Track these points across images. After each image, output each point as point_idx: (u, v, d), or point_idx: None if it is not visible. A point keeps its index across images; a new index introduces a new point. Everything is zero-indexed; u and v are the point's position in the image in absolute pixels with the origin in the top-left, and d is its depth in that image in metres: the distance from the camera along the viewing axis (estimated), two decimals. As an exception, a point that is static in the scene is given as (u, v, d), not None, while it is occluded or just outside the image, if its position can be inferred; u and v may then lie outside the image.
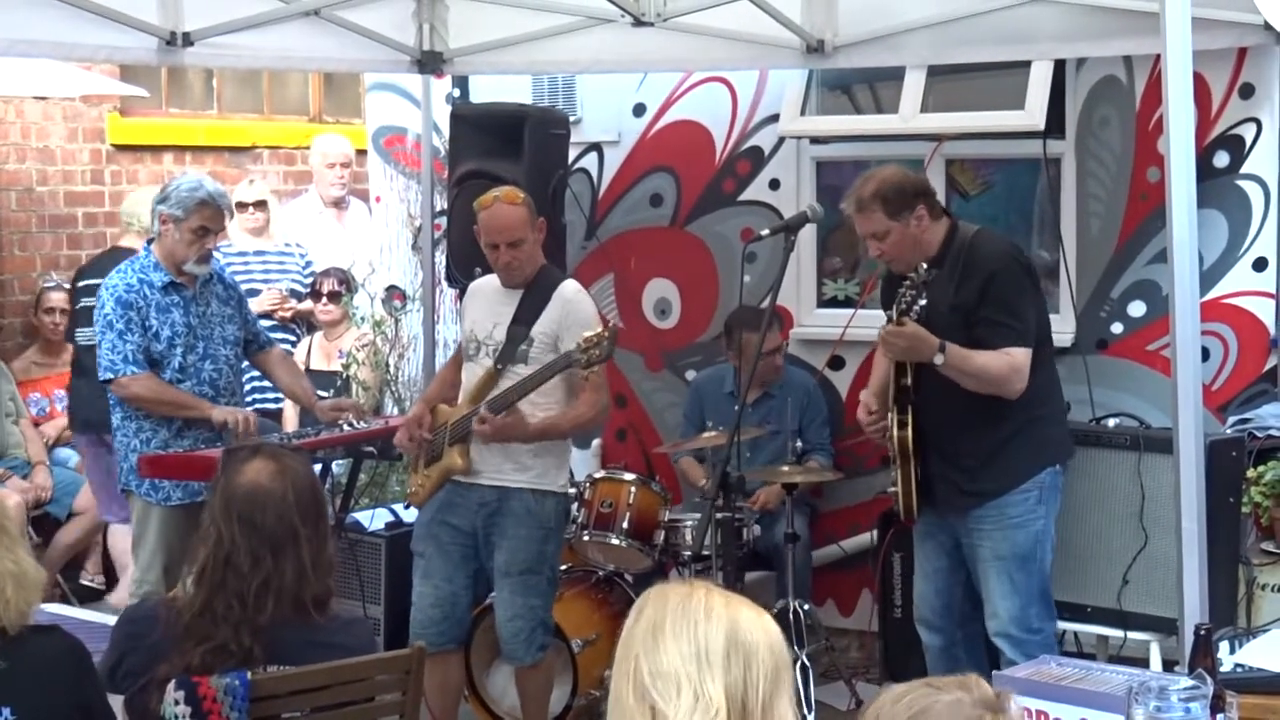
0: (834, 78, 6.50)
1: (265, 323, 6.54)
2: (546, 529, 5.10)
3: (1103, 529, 5.19)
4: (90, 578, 7.58)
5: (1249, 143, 5.70)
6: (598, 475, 5.98)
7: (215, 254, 5.65)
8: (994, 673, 3.75)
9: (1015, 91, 5.95)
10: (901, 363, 4.66)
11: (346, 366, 7.39)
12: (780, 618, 5.52)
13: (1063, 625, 5.03)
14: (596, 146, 7.03)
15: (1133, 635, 5.18)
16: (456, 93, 7.24)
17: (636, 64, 6.43)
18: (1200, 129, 5.39)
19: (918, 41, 5.74)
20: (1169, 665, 4.78)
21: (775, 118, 6.59)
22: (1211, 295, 5.67)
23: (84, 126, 8.54)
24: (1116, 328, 6.02)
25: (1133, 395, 5.89)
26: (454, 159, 6.47)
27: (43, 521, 7.19)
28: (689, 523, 5.82)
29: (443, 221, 6.73)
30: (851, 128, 6.56)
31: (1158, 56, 4.14)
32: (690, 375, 6.83)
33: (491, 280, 5.20)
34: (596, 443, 7.08)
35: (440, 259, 6.79)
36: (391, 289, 7.64)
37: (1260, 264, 5.74)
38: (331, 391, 6.94)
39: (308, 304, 7.72)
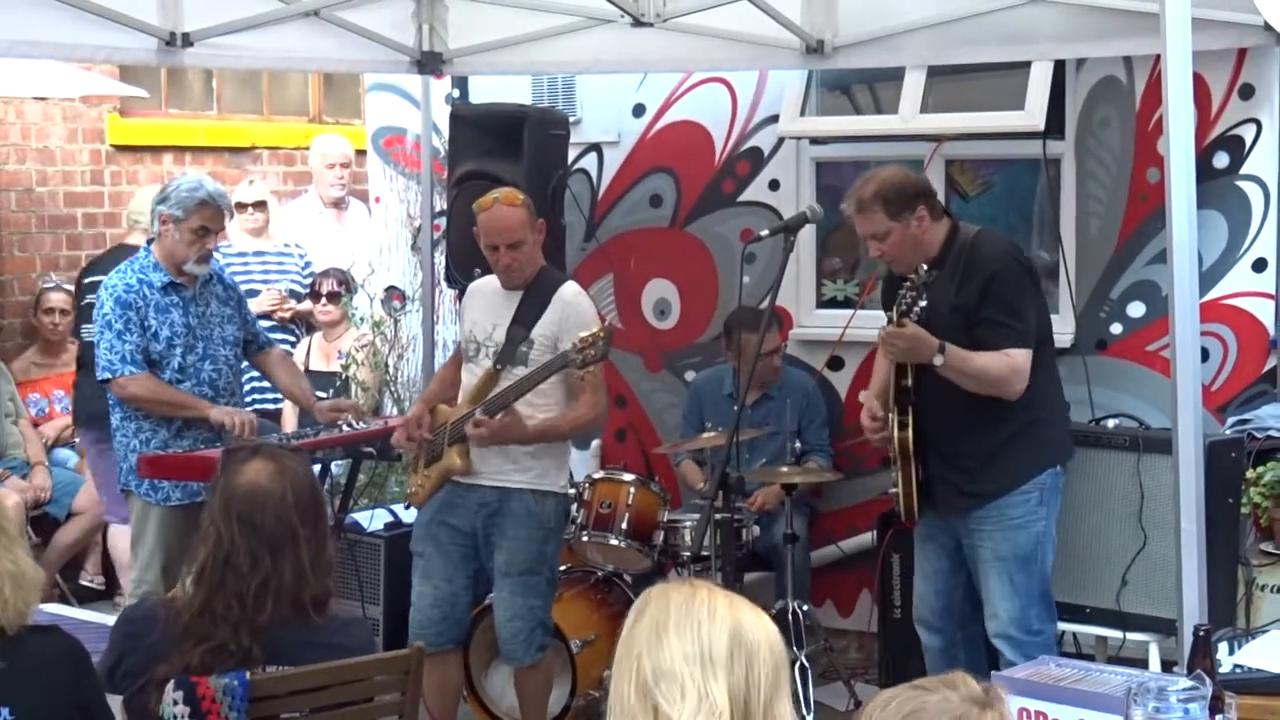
0: (834, 78, 6.50)
1: (264, 323, 6.53)
2: (546, 529, 5.10)
3: (1102, 530, 5.19)
4: (90, 578, 7.58)
5: (1249, 143, 5.70)
6: (597, 476, 5.98)
7: (215, 254, 5.65)
8: (993, 673, 3.75)
9: (1015, 92, 5.95)
10: (902, 364, 4.66)
11: (346, 367, 7.39)
12: (779, 618, 5.52)
13: (1061, 626, 5.02)
14: (596, 147, 7.03)
15: (1132, 636, 5.18)
16: (456, 93, 7.24)
17: (636, 64, 6.43)
18: (1200, 130, 5.39)
19: (917, 42, 5.74)
20: (1168, 666, 4.77)
21: (775, 118, 6.59)
22: (1211, 296, 5.67)
23: (84, 127, 8.54)
24: (1116, 328, 6.02)
25: (1132, 396, 5.89)
26: (453, 159, 6.47)
27: (41, 522, 7.19)
28: (688, 523, 5.82)
29: (442, 222, 6.73)
30: (851, 128, 6.56)
31: (1158, 57, 4.15)
32: (690, 376, 6.83)
33: (491, 281, 5.20)
34: (596, 443, 7.08)
35: (440, 260, 6.79)
36: (391, 289, 7.64)
37: (1260, 265, 5.74)
38: (331, 392, 6.95)
39: (307, 304, 7.73)
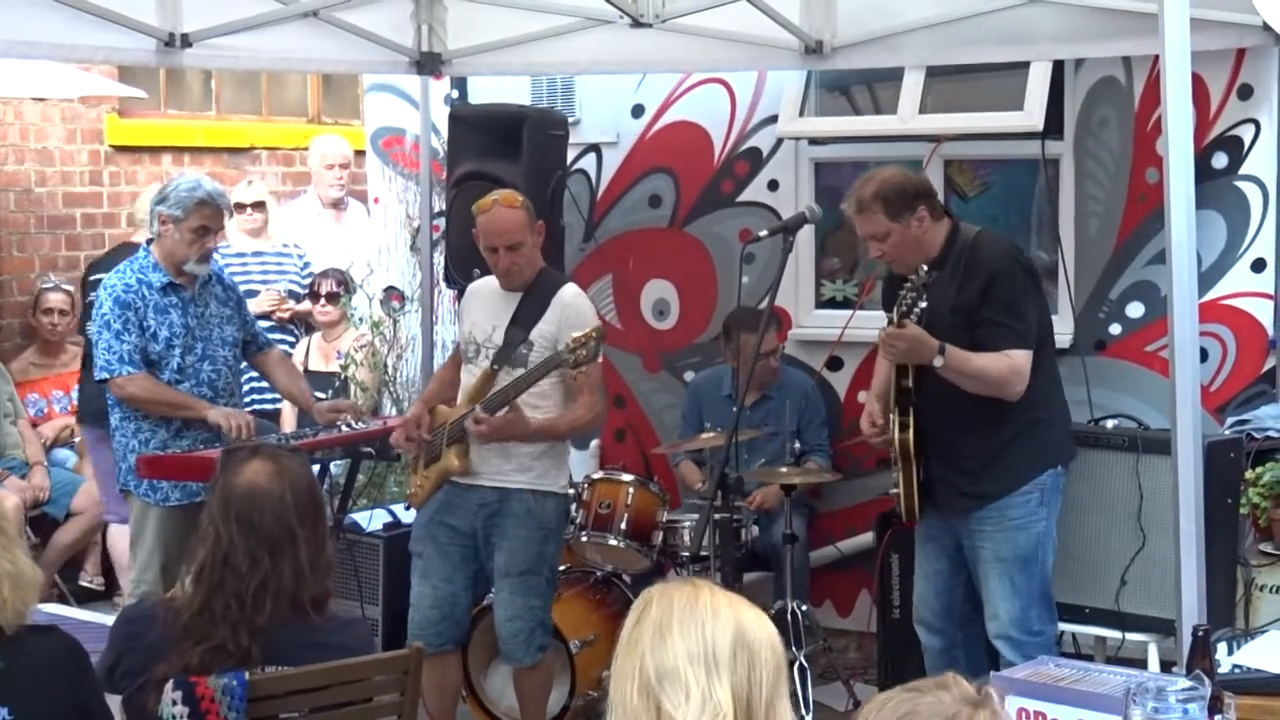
0: (832, 79, 6.50)
1: (263, 324, 6.53)
2: (547, 530, 5.10)
3: (1101, 530, 5.19)
4: (89, 579, 7.58)
5: (1247, 144, 5.70)
6: (596, 476, 5.98)
7: (214, 255, 5.65)
8: (992, 673, 3.74)
9: (1014, 92, 5.95)
10: (903, 365, 4.66)
11: (345, 367, 7.39)
12: (778, 618, 5.52)
13: (1061, 626, 5.02)
14: (595, 147, 7.03)
15: (1131, 636, 5.18)
16: (455, 94, 7.24)
17: (635, 65, 6.43)
18: (1199, 130, 5.39)
19: (916, 42, 5.74)
20: (1167, 666, 4.78)
21: (774, 119, 6.59)
22: (1210, 296, 5.67)
23: (82, 127, 8.54)
24: (1115, 329, 6.02)
25: (1131, 396, 5.89)
26: (452, 160, 6.47)
27: (40, 522, 7.19)
28: (687, 523, 5.82)
29: (441, 222, 6.73)
30: (850, 129, 6.56)
31: (1156, 57, 4.15)
32: (689, 376, 6.83)
33: (490, 282, 5.20)
34: (595, 443, 7.08)
35: (439, 260, 6.79)
36: (390, 290, 7.64)
37: (1259, 265, 5.74)
38: (330, 392, 6.95)
39: (306, 305, 7.73)
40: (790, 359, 6.57)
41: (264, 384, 6.53)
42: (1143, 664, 5.04)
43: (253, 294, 7.22)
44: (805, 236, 6.35)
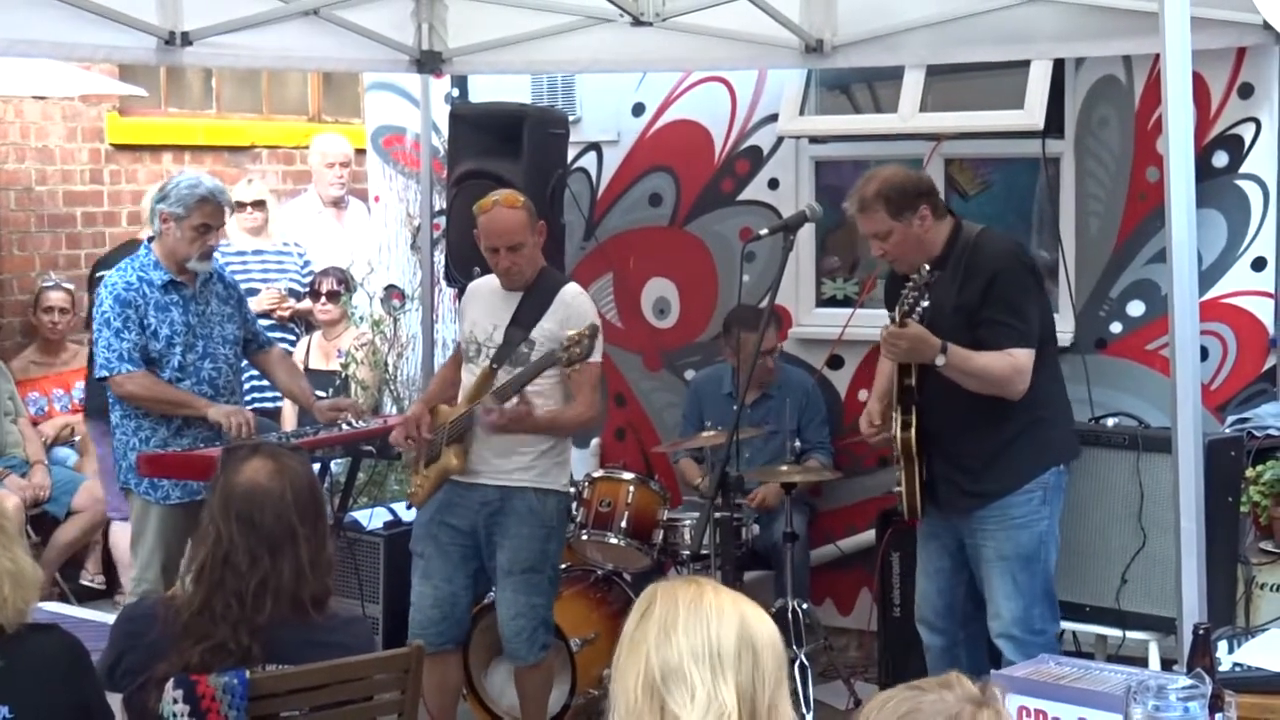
0: (833, 77, 6.50)
1: (263, 322, 6.53)
2: (549, 528, 5.10)
3: (1101, 528, 5.19)
4: (90, 578, 7.58)
5: (1248, 142, 5.70)
6: (596, 474, 5.98)
7: (215, 253, 5.65)
8: (992, 672, 3.74)
9: (1014, 91, 5.95)
10: (905, 364, 4.65)
11: (345, 366, 7.39)
12: (779, 617, 5.53)
13: (1061, 624, 5.02)
14: (595, 146, 7.03)
15: (1131, 634, 5.18)
16: (455, 92, 7.24)
17: (635, 64, 6.43)
18: (1199, 129, 5.39)
19: (916, 41, 5.74)
20: (1167, 664, 4.78)
21: (774, 117, 6.59)
22: (1210, 295, 5.67)
23: (83, 126, 8.54)
24: (1115, 327, 6.02)
25: (1132, 395, 5.89)
26: (453, 158, 6.47)
27: (41, 520, 7.18)
28: (687, 522, 5.82)
29: (441, 221, 6.73)
30: (850, 127, 6.56)
31: (1157, 56, 4.15)
32: (689, 375, 6.83)
33: (491, 281, 5.20)
34: (595, 442, 7.09)
35: (439, 258, 6.79)
36: (390, 288, 7.64)
37: (1259, 264, 5.74)
38: (330, 391, 6.95)
39: (306, 303, 7.73)
40: (791, 357, 6.57)
41: (264, 382, 6.54)
42: (1143, 662, 5.04)
43: (253, 292, 7.22)
44: (806, 235, 6.36)
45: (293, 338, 7.70)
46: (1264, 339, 5.75)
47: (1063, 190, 6.09)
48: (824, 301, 6.71)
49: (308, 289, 7.74)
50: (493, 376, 5.01)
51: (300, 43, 5.97)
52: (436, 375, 5.67)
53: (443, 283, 6.78)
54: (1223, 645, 3.83)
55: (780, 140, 6.63)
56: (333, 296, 7.62)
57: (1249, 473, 5.12)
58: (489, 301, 5.17)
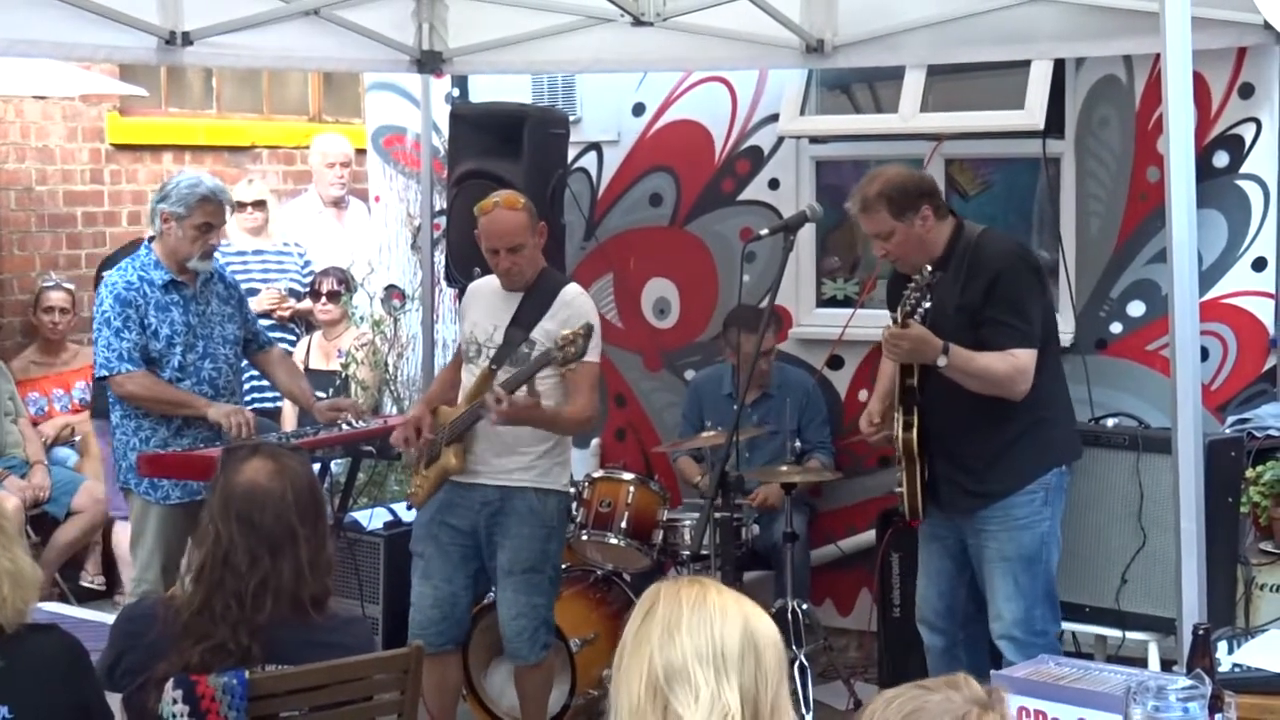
0: (833, 77, 6.50)
1: (264, 322, 6.53)
2: (549, 528, 5.10)
3: (1101, 529, 5.19)
4: (90, 579, 7.57)
5: (1248, 142, 5.70)
6: (596, 475, 5.98)
7: (215, 252, 5.65)
8: (992, 672, 3.74)
9: (1015, 91, 5.94)
10: (907, 364, 4.65)
11: (345, 366, 7.39)
12: (779, 617, 5.52)
13: (1061, 624, 5.02)
14: (596, 146, 7.03)
15: (1131, 635, 5.18)
16: (456, 92, 7.24)
17: (636, 63, 6.43)
18: (1200, 129, 5.39)
19: (917, 41, 5.74)
20: (1167, 665, 4.78)
21: (775, 117, 6.59)
22: (1211, 295, 5.67)
23: (83, 126, 8.54)
24: (1116, 327, 6.02)
25: (1132, 395, 5.89)
26: (453, 158, 6.47)
27: (41, 521, 7.18)
28: (687, 522, 5.82)
29: (442, 221, 6.73)
30: (851, 127, 6.56)
31: (1157, 56, 4.14)
32: (689, 375, 6.83)
33: (491, 281, 5.20)
34: (595, 442, 7.09)
35: (439, 259, 6.79)
36: (390, 288, 7.64)
37: (1259, 264, 5.74)
38: (330, 391, 6.95)
39: (306, 303, 7.73)
40: (791, 358, 6.57)
41: (264, 382, 6.54)
42: (1143, 663, 5.04)
43: (253, 292, 7.22)
44: (806, 235, 6.36)
45: (293, 338, 7.70)
46: (1264, 339, 5.75)
47: (1063, 190, 6.09)
48: (824, 302, 6.71)
49: (308, 289, 7.74)
50: (492, 377, 5.01)
51: (300, 43, 5.97)
52: (438, 376, 5.67)
53: (443, 283, 6.78)
54: (1222, 646, 3.83)
55: (781, 140, 6.63)
56: (333, 296, 7.62)
57: (1249, 473, 5.13)
58: (489, 302, 5.17)
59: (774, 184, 6.69)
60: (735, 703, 2.28)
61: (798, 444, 6.00)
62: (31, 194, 8.30)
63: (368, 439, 5.67)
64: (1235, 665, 3.74)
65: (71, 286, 7.85)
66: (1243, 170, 5.72)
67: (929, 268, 4.47)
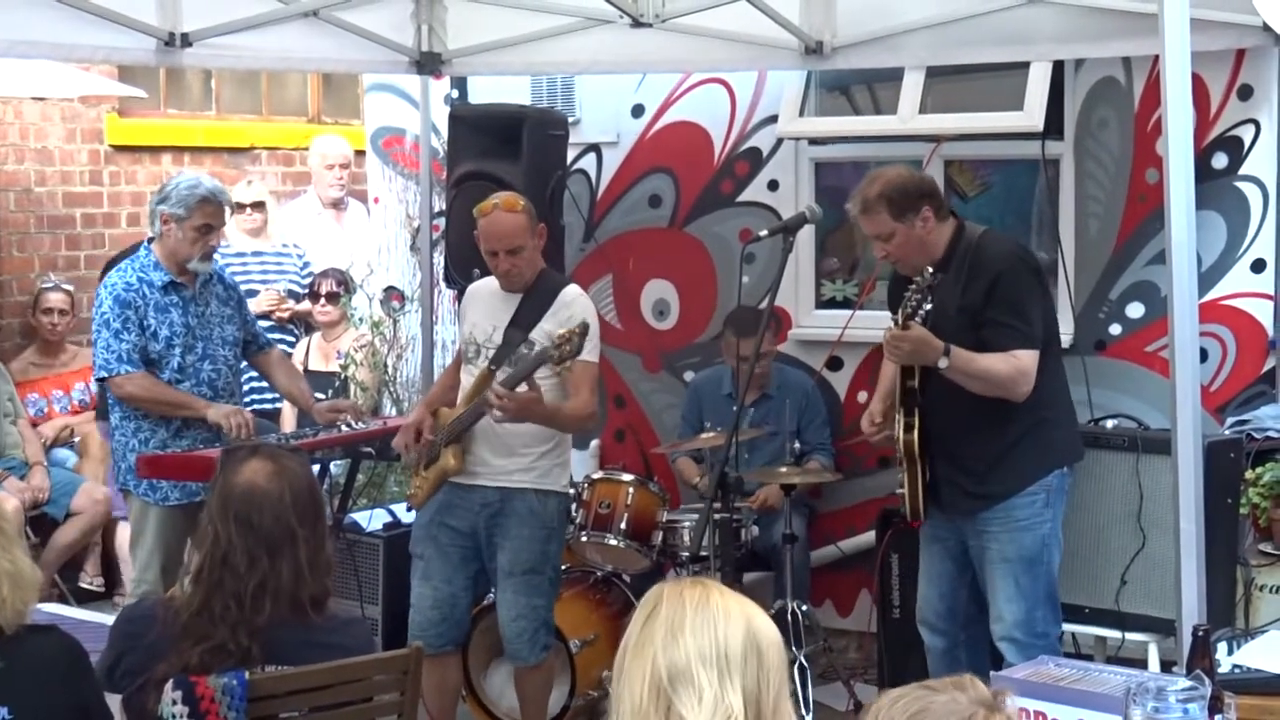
0: (832, 79, 6.50)
1: (263, 323, 6.53)
2: (549, 529, 5.10)
3: (1101, 530, 5.19)
4: (89, 580, 7.57)
5: (1247, 144, 5.70)
6: (596, 476, 5.98)
7: (215, 254, 5.65)
8: (992, 673, 3.74)
9: (1014, 92, 5.95)
10: (908, 365, 4.65)
11: (345, 367, 7.39)
12: (778, 618, 5.52)
13: (1062, 626, 5.02)
14: (595, 147, 7.03)
15: (1131, 636, 5.18)
16: (455, 94, 7.24)
17: (635, 65, 6.43)
18: (1199, 130, 5.39)
19: (916, 42, 5.74)
20: (1167, 666, 4.77)
21: (774, 119, 6.59)
22: (1210, 297, 5.67)
23: (82, 127, 8.54)
24: (1115, 329, 6.02)
25: (1131, 396, 5.89)
26: (452, 160, 6.47)
27: (40, 522, 7.18)
28: (687, 523, 5.82)
29: (441, 222, 6.73)
30: (850, 129, 6.56)
31: (1156, 58, 4.15)
32: (689, 376, 6.83)
33: (490, 283, 5.20)
34: (595, 443, 7.09)
35: (439, 260, 6.79)
36: (390, 290, 7.64)
37: (1259, 265, 5.74)
38: (330, 392, 6.95)
39: (306, 305, 7.73)
40: (790, 359, 6.57)
41: (264, 384, 6.53)
42: (1143, 664, 5.04)
43: (252, 294, 7.22)
44: (805, 236, 6.35)
45: (292, 339, 7.70)
46: (1263, 341, 5.75)
47: (1062, 192, 6.09)
48: (823, 303, 6.71)
49: (307, 290, 7.74)
50: (491, 378, 5.01)
51: (300, 44, 5.97)
52: (439, 379, 5.67)
53: (442, 284, 6.78)
54: (1222, 647, 3.83)
55: (780, 142, 6.63)
56: (332, 298, 7.62)
57: (1248, 474, 5.13)
58: (489, 303, 5.17)
59: (773, 185, 6.69)
60: (738, 704, 2.28)
61: (797, 445, 5.99)
62: (30, 195, 8.30)
63: (367, 440, 5.67)
64: (1235, 666, 3.74)
65: (70, 288, 7.85)
66: (1242, 172, 5.72)
67: (930, 269, 4.46)
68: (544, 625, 5.14)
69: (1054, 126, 5.95)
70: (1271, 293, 5.74)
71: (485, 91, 7.08)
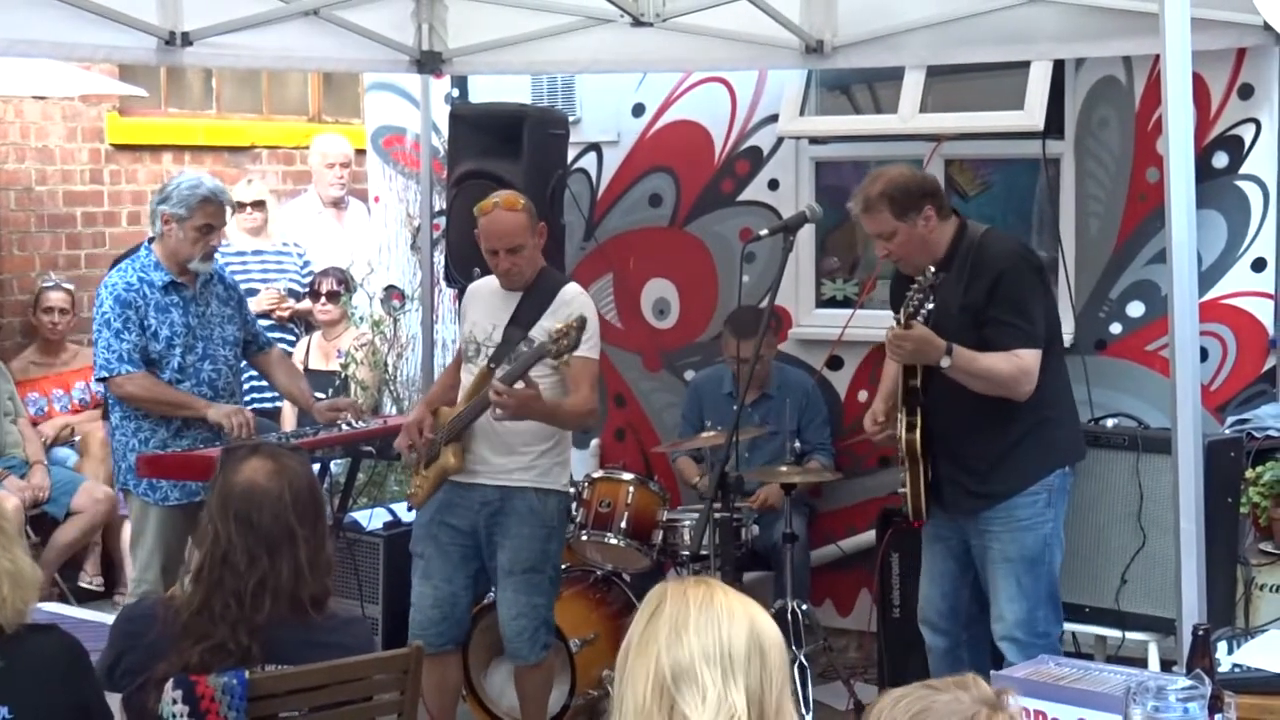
0: (833, 78, 6.50)
1: (263, 322, 6.53)
2: (549, 528, 5.10)
3: (1101, 529, 5.19)
4: (89, 580, 7.57)
5: (1248, 143, 5.70)
6: (596, 475, 5.98)
7: (216, 253, 5.65)
8: (992, 672, 3.74)
9: (1014, 92, 5.95)
10: (910, 365, 4.64)
11: (345, 366, 7.39)
12: (779, 618, 5.51)
13: (1063, 626, 5.02)
14: (595, 146, 7.03)
15: (1131, 635, 5.18)
16: (455, 93, 7.24)
17: (635, 64, 6.43)
18: (1199, 129, 5.39)
19: (917, 42, 5.74)
20: (1167, 665, 4.78)
21: (774, 118, 6.59)
22: (1210, 296, 5.67)
23: (83, 126, 8.54)
24: (1115, 328, 6.02)
25: (1131, 395, 5.89)
26: (453, 159, 6.47)
27: (40, 521, 7.18)
28: (687, 522, 5.82)
29: (441, 221, 6.73)
30: (850, 128, 6.56)
31: (1157, 57, 4.15)
32: (689, 375, 6.83)
33: (490, 282, 5.20)
34: (595, 442, 7.09)
35: (439, 259, 6.79)
36: (390, 289, 7.64)
37: (1259, 264, 5.74)
38: (330, 391, 6.95)
39: (306, 304, 7.73)
40: (791, 358, 6.57)
41: (264, 383, 6.54)
42: (1143, 663, 5.04)
43: (252, 293, 7.23)
44: (805, 236, 6.35)
45: (292, 338, 7.70)
46: (1264, 340, 5.75)
47: (1063, 191, 6.09)
48: (824, 302, 6.71)
49: (307, 289, 7.74)
50: (491, 376, 5.01)
51: (300, 43, 5.97)
52: (439, 378, 5.67)
53: (442, 283, 6.78)
54: (1222, 646, 3.83)
55: (780, 141, 6.62)
56: (332, 297, 7.62)
57: (1249, 474, 5.13)
58: (489, 302, 5.17)
59: (773, 184, 6.69)
60: (741, 704, 2.28)
61: (797, 444, 5.99)
62: (31, 194, 8.30)
63: (367, 439, 5.67)
64: (1235, 665, 3.74)
65: (71, 287, 7.85)
66: (1242, 171, 5.72)
67: (932, 268, 4.46)
68: (544, 624, 5.14)
69: (1054, 126, 5.95)
70: (1272, 292, 5.73)
71: (486, 90, 7.08)
